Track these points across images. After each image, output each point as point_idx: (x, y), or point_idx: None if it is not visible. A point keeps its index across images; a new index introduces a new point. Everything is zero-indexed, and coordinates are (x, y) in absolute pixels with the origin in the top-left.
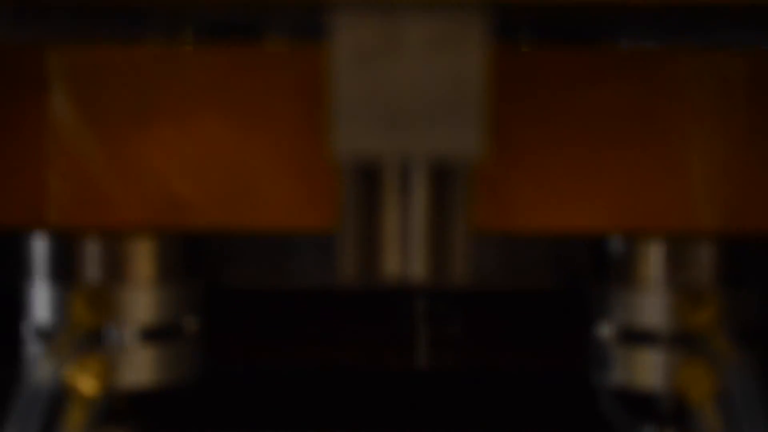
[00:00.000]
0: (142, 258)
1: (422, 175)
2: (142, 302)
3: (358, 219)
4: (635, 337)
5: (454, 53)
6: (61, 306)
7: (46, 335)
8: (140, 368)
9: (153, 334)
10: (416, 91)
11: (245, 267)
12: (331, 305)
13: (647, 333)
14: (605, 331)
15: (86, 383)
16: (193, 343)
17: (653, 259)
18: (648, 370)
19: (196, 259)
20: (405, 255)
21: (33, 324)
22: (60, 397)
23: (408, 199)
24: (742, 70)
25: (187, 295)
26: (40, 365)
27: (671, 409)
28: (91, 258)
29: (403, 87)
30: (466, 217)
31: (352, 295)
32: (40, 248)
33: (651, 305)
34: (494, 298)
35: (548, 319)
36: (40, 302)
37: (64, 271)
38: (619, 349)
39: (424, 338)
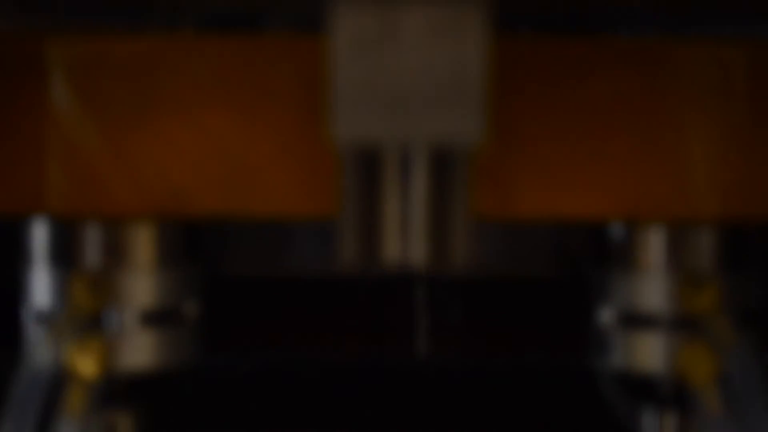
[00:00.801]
0: (142, 243)
1: (422, 161)
2: (141, 287)
3: (357, 205)
4: (636, 322)
5: (454, 39)
6: (61, 290)
7: (46, 319)
8: (140, 352)
9: (153, 318)
10: (416, 78)
11: (244, 256)
12: (329, 293)
13: (648, 317)
14: (606, 316)
15: (86, 365)
16: (193, 328)
17: (654, 244)
18: (649, 353)
19: (195, 246)
20: (405, 240)
21: (33, 308)
22: (60, 380)
23: (408, 185)
24: (742, 60)
25: (186, 280)
26: (39, 348)
27: (672, 393)
28: (91, 243)
29: (402, 73)
30: (466, 202)
31: (351, 283)
32: (40, 233)
33: (652, 290)
34: (495, 286)
35: (549, 308)
36: (40, 287)
37: (64, 256)
38: (619, 334)
39: (424, 326)
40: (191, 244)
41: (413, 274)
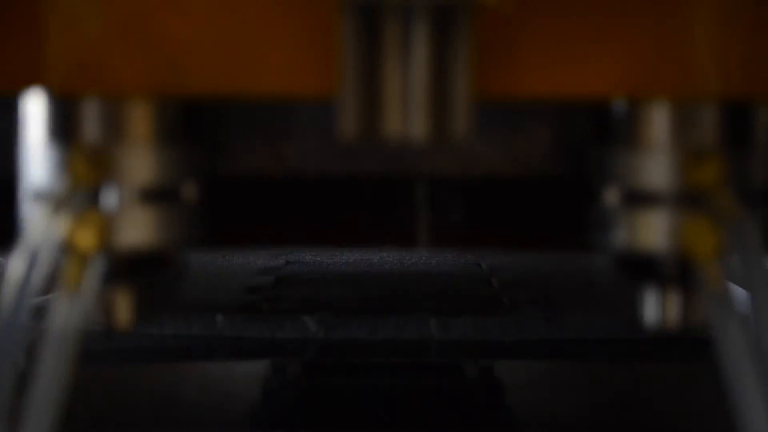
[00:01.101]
0: (141, 120)
1: (424, 23)
2: (140, 163)
3: (359, 74)
4: (639, 199)
5: None
6: (60, 167)
7: (44, 197)
8: (138, 229)
9: (151, 196)
10: None
11: (243, 153)
12: (330, 192)
13: (651, 194)
14: (608, 195)
15: (85, 239)
16: (192, 209)
17: (657, 120)
18: (652, 230)
19: (196, 126)
20: (406, 113)
21: (31, 186)
22: (58, 255)
23: (409, 55)
24: None
25: (186, 160)
26: (38, 223)
27: (675, 269)
28: (90, 118)
29: None
30: (468, 74)
31: (351, 181)
32: (38, 109)
33: (655, 166)
34: (497, 185)
35: (552, 206)
36: (38, 164)
37: (63, 132)
38: (622, 212)
39: (425, 225)
40: (191, 125)
41: (414, 171)
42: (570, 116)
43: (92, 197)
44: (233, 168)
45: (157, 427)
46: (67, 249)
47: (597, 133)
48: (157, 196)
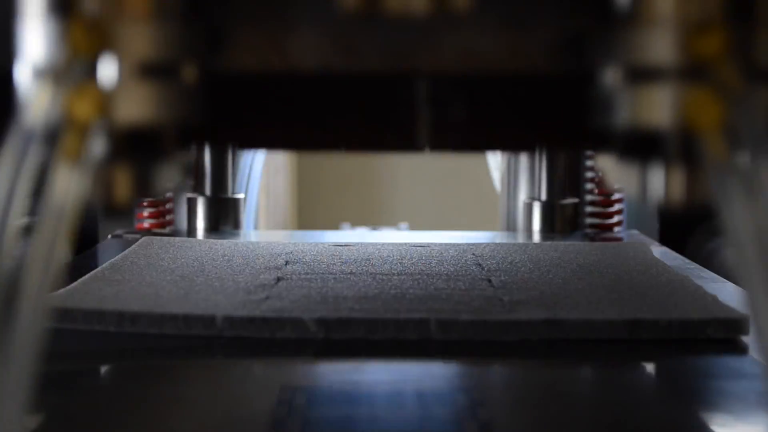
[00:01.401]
0: None
1: None
2: (139, 37)
3: None
4: (641, 75)
5: None
6: (58, 40)
7: (42, 71)
8: (136, 104)
9: (150, 71)
10: None
11: (243, 49)
12: (329, 90)
13: (653, 69)
14: (609, 74)
15: (83, 109)
16: (192, 92)
17: None
18: (655, 105)
19: (197, 9)
20: None
21: (28, 62)
22: (56, 131)
23: None
24: None
25: (186, 39)
26: (36, 96)
27: (679, 144)
28: None
29: None
30: None
31: (350, 79)
32: None
33: (657, 40)
34: (499, 84)
35: (555, 105)
36: (35, 39)
37: (62, 5)
38: (624, 90)
39: (426, 125)
40: (192, 6)
41: (415, 70)
42: (573, 10)
43: (91, 69)
44: (231, 62)
45: (155, 428)
46: (65, 121)
47: (597, 17)
48: (155, 71)
